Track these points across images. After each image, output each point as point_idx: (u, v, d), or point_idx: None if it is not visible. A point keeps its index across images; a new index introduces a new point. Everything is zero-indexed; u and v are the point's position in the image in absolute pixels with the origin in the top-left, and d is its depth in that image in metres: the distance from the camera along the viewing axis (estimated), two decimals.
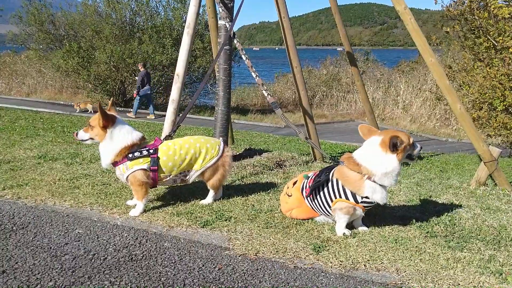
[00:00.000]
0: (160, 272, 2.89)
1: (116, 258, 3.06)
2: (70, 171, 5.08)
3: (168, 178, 3.95)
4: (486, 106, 8.58)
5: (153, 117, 17.01)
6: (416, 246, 3.35)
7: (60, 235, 3.39)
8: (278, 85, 25.35)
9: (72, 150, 6.15)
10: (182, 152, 3.92)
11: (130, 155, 3.79)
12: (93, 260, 3.01)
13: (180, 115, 4.72)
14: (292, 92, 23.20)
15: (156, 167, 3.83)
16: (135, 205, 3.92)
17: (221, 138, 4.32)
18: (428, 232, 3.63)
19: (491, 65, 8.50)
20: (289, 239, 3.44)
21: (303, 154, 6.72)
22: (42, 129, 8.43)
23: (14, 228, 3.47)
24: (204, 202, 4.16)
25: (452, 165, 7.57)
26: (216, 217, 3.80)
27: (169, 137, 4.20)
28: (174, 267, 2.96)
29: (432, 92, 17.41)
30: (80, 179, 4.79)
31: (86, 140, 3.87)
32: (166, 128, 5.48)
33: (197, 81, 22.05)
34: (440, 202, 4.48)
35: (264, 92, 4.43)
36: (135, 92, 17.46)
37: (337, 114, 21.97)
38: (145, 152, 3.82)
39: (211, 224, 3.67)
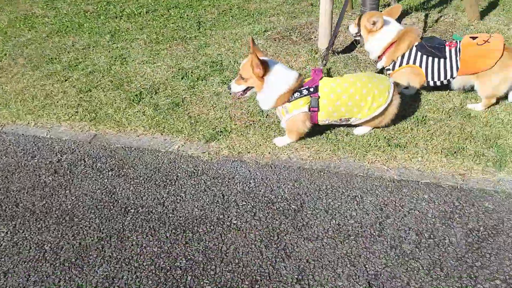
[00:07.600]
0: None
1: None
2: None
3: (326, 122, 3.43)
4: None
5: None
6: None
7: None
8: None
9: None
10: (346, 97, 3.23)
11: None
12: None
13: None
14: None
15: (317, 108, 3.26)
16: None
17: (391, 79, 3.47)
18: None
19: None
20: None
21: None
22: None
23: None
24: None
25: None
26: None
27: (327, 50, 4.02)
28: None
29: None
30: None
31: None
32: (322, 42, 4.67)
33: None
34: None
35: None
36: None
37: None
38: (305, 92, 3.28)
39: None
